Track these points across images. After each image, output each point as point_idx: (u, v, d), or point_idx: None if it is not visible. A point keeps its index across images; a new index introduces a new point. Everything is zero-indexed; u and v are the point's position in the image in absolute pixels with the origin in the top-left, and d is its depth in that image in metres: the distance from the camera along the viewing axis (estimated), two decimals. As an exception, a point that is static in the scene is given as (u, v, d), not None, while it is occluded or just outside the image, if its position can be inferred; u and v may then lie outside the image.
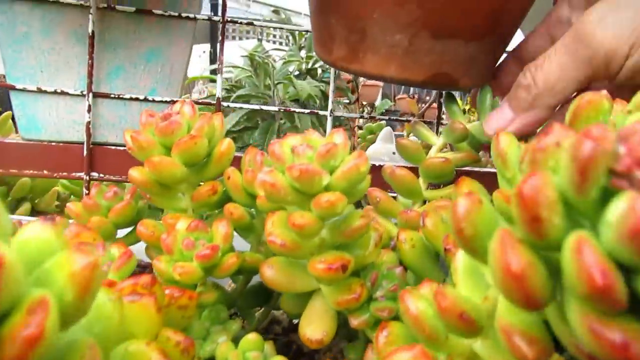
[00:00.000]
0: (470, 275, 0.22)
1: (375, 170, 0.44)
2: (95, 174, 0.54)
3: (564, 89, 0.33)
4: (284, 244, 0.28)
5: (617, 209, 0.13)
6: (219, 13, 0.55)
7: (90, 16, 0.52)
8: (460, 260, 0.23)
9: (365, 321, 0.31)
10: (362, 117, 0.55)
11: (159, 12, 0.53)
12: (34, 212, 0.68)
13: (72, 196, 0.72)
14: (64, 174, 0.54)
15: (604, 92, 0.24)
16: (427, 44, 0.40)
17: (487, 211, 0.18)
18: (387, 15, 0.40)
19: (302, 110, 0.57)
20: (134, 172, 0.33)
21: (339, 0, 0.42)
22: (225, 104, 0.57)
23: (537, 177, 0.14)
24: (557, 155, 0.15)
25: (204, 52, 3.03)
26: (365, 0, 0.40)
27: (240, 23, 0.58)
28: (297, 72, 2.59)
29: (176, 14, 0.54)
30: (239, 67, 2.68)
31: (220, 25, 0.56)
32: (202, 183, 0.36)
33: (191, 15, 0.54)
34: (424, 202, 0.44)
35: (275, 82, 2.42)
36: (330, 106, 0.58)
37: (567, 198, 0.14)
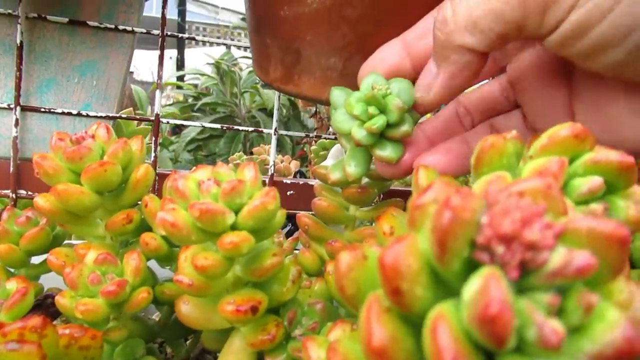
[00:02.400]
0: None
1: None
2: (23, 192, 0.51)
3: (487, 29, 0.25)
4: (192, 284, 0.26)
5: (472, 287, 0.12)
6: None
7: (18, 26, 0.49)
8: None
9: (282, 361, 0.29)
10: (307, 135, 0.54)
11: (94, 23, 0.51)
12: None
13: (5, 212, 0.69)
14: (-12, 191, 0.51)
15: (513, 132, 0.23)
16: (362, 68, 0.39)
17: (371, 268, 0.17)
18: (321, 38, 0.39)
19: (246, 128, 0.55)
20: (40, 200, 0.31)
21: (273, 20, 0.40)
22: (165, 120, 0.55)
23: (400, 245, 0.13)
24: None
25: (170, 58, 2.99)
26: (299, 22, 0.39)
27: (181, 37, 0.56)
28: (264, 81, 2.55)
29: (112, 26, 0.52)
30: (205, 75, 2.65)
31: (161, 39, 0.54)
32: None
33: (128, 28, 0.52)
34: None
35: (242, 90, 2.40)
36: (274, 124, 0.56)
37: (434, 267, 0.13)
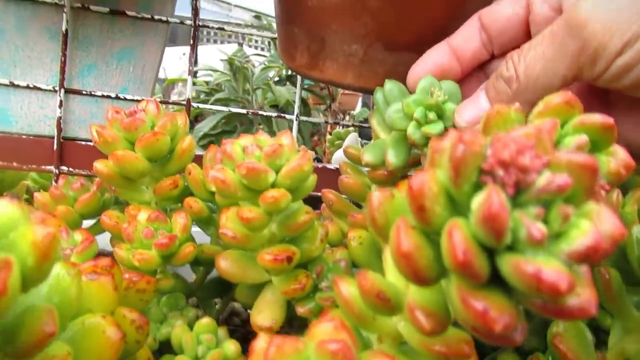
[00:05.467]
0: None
1: (337, 173, 0.47)
2: (64, 168, 0.56)
3: (548, 85, 0.29)
4: (235, 236, 0.30)
5: (479, 198, 0.16)
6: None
7: (64, 15, 0.53)
8: (388, 251, 0.26)
9: (310, 310, 0.33)
10: (326, 122, 0.58)
11: (132, 13, 0.55)
12: (3, 204, 0.69)
13: (41, 190, 0.73)
14: (34, 166, 0.56)
15: (516, 105, 0.27)
16: (381, 55, 0.43)
17: (398, 203, 0.20)
18: (344, 27, 0.43)
19: (270, 113, 0.59)
20: (99, 165, 0.35)
21: (301, 10, 0.44)
22: (195, 104, 0.59)
23: (424, 173, 0.17)
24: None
25: (184, 54, 3.04)
26: (325, 12, 0.43)
27: (212, 27, 0.60)
28: (277, 78, 2.61)
29: (149, 16, 0.56)
30: (218, 71, 2.69)
31: (193, 29, 0.58)
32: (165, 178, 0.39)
33: (163, 18, 0.57)
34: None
35: (254, 87, 2.44)
36: (296, 111, 0.60)
37: (449, 191, 0.17)
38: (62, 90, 0.55)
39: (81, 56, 0.56)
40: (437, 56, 0.38)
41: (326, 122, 0.62)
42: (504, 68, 0.31)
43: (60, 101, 0.55)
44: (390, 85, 0.38)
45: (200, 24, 0.57)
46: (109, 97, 0.56)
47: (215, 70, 2.66)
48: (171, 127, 0.36)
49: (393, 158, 0.37)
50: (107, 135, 0.34)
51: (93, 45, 0.56)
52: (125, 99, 0.57)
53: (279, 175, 0.29)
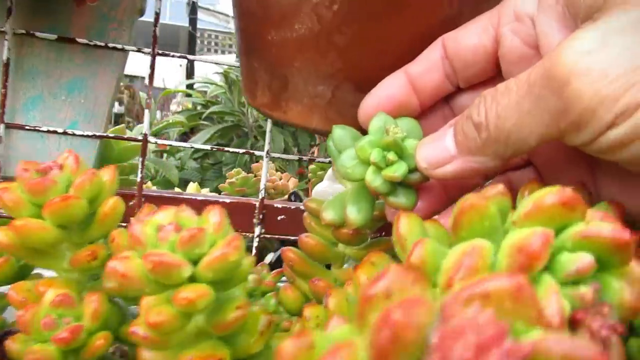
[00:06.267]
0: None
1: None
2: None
3: (522, 141, 0.23)
4: (147, 337, 0.24)
5: None
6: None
7: (5, 42, 0.48)
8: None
9: (248, 420, 0.27)
10: (300, 158, 0.52)
11: (83, 41, 0.50)
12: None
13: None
14: (-31, 210, 0.50)
15: (499, 188, 0.21)
16: (351, 96, 0.37)
17: (316, 357, 0.14)
18: (308, 65, 0.37)
19: (236, 150, 0.54)
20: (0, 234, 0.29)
21: (261, 44, 0.39)
22: (153, 140, 0.53)
23: (336, 357, 0.11)
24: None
25: (180, 65, 3.02)
26: (286, 47, 0.37)
27: (173, 56, 0.54)
28: (272, 90, 2.54)
29: (102, 43, 0.50)
30: (214, 84, 2.65)
31: (152, 57, 0.52)
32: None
33: (119, 46, 0.51)
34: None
35: (249, 100, 2.38)
36: (267, 147, 0.54)
37: (376, 385, 0.11)
38: (2, 126, 0.49)
39: (25, 87, 0.50)
40: (392, 89, 0.32)
41: (300, 159, 0.56)
42: (474, 111, 0.25)
43: (0, 137, 0.49)
44: (339, 131, 0.31)
45: (160, 52, 0.51)
46: (55, 132, 0.50)
47: (211, 83, 2.62)
48: (91, 187, 0.30)
49: (354, 214, 0.30)
50: (7, 200, 0.28)
51: (39, 75, 0.50)
52: (74, 134, 0.51)
53: (198, 267, 0.23)
